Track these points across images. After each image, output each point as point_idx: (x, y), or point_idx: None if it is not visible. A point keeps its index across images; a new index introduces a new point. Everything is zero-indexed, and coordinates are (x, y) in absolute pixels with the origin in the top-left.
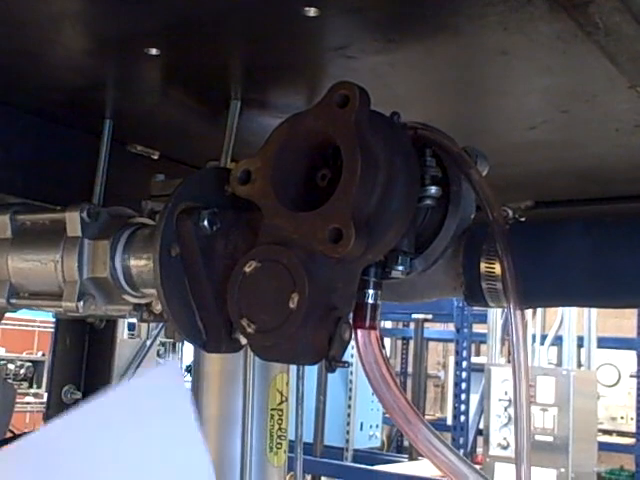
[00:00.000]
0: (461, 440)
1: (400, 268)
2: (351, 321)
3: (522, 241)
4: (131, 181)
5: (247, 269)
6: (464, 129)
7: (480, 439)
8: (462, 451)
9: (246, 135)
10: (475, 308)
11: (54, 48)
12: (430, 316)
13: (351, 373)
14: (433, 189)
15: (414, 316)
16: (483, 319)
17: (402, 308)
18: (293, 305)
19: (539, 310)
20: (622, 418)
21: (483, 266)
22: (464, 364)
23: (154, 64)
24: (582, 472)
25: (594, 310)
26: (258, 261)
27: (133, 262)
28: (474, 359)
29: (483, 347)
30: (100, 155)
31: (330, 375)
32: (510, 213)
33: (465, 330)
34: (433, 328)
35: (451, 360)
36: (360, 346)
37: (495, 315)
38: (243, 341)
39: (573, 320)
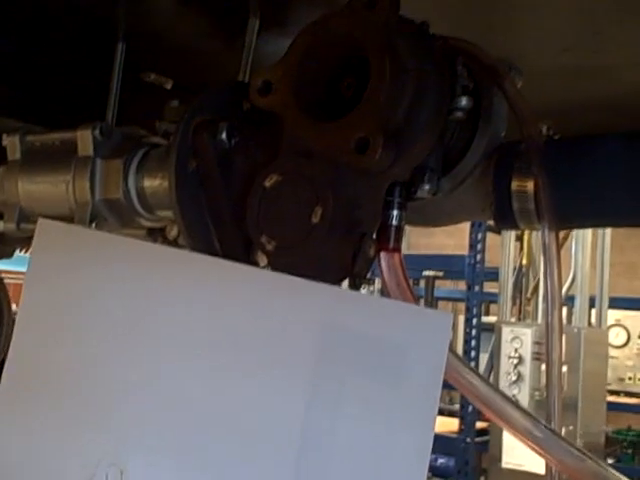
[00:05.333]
0: None
1: (426, 187)
2: None
3: (557, 158)
4: (143, 111)
5: (268, 183)
6: (492, 51)
7: None
8: (470, 408)
9: (262, 58)
10: (486, 265)
11: None
12: (441, 273)
13: None
14: (464, 100)
15: (425, 273)
16: (494, 277)
17: (413, 264)
18: (316, 219)
19: None
20: (630, 379)
21: (515, 184)
22: (474, 322)
23: None
24: (590, 431)
25: (607, 269)
26: (279, 174)
27: (147, 182)
28: (483, 318)
29: (492, 307)
30: (112, 79)
31: None
32: (544, 129)
33: (476, 288)
34: (443, 287)
35: (460, 320)
36: (383, 269)
37: (507, 273)
38: (262, 262)
39: (586, 279)
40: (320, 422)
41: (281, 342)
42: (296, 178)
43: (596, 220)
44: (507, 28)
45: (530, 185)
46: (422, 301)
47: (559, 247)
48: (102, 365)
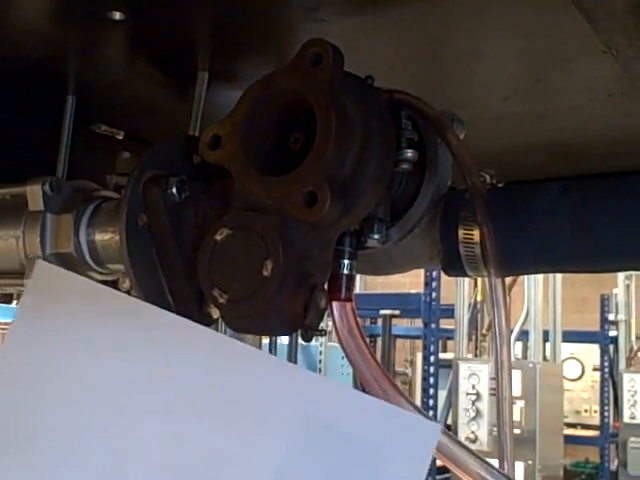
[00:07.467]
0: None
1: (376, 237)
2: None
3: (500, 206)
4: (95, 163)
5: (218, 237)
6: (437, 101)
7: None
8: None
9: (213, 110)
10: (442, 303)
11: (10, 12)
12: (397, 312)
13: (320, 353)
14: (409, 152)
15: (382, 312)
16: (450, 314)
17: (369, 304)
18: (267, 273)
19: None
20: (586, 411)
21: (461, 233)
22: (432, 359)
23: (118, 30)
24: (549, 465)
25: (559, 303)
26: (230, 228)
27: (98, 236)
28: (441, 355)
29: (449, 344)
30: (63, 132)
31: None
32: (488, 178)
33: (433, 325)
34: (400, 325)
35: (418, 357)
36: (336, 318)
37: (462, 310)
38: (215, 315)
39: (539, 314)
40: None
41: (257, 426)
42: (246, 232)
43: (541, 266)
44: (450, 77)
45: (476, 233)
46: (380, 339)
47: (505, 292)
48: (82, 424)
